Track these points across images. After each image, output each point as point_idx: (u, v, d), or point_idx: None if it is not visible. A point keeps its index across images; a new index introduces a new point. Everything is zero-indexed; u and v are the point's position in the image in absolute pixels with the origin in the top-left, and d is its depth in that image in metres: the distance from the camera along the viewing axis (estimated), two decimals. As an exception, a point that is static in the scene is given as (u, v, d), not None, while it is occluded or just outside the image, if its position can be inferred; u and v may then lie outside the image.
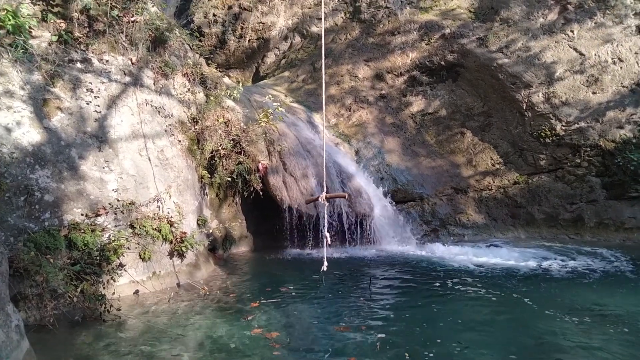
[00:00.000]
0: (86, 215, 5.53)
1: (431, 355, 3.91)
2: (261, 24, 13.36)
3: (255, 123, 8.80)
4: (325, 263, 4.69)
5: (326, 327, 4.68)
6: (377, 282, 6.66)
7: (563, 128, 10.17)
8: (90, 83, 6.01)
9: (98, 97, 6.04)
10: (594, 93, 10.11)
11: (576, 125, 10.07)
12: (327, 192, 4.78)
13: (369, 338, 4.31)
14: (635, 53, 10.03)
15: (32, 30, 5.57)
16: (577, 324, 4.66)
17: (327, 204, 4.80)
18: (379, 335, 4.37)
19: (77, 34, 6.01)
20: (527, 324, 4.75)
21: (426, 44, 11.46)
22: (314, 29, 13.21)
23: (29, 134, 5.26)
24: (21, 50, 5.31)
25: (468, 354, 3.94)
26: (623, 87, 10.04)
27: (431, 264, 7.79)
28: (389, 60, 11.70)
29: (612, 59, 10.12)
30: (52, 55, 5.66)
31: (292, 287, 6.21)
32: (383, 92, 11.67)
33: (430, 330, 4.52)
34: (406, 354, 3.93)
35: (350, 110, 11.54)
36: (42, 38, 5.70)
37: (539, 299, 5.50)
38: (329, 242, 4.90)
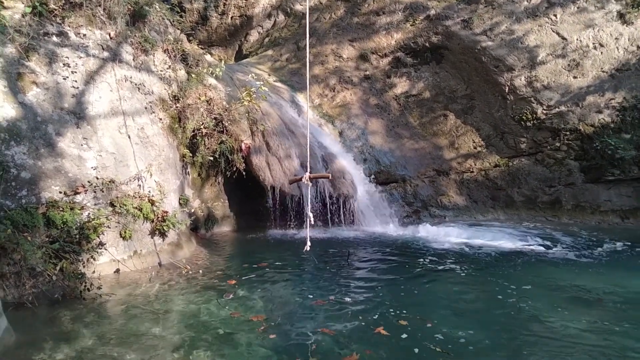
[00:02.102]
0: (65, 193, 5.41)
1: (396, 326, 4.09)
2: (244, 1, 13.09)
3: (238, 102, 8.68)
4: (309, 243, 4.71)
5: (304, 303, 4.78)
6: (358, 262, 6.73)
7: (544, 112, 10.29)
8: (67, 57, 5.82)
9: (75, 72, 5.86)
10: (574, 77, 10.23)
11: (557, 109, 10.21)
12: (310, 173, 4.76)
13: (344, 311, 4.47)
14: (616, 39, 10.14)
15: (3, 1, 5.35)
16: (550, 302, 4.79)
17: (310, 184, 4.78)
18: (351, 308, 4.58)
19: (52, 6, 5.78)
20: (501, 302, 4.86)
21: (411, 25, 11.40)
22: (298, 7, 13.01)
23: (3, 109, 5.09)
24: (-7, 22, 5.11)
25: (432, 328, 4.06)
26: (603, 72, 10.17)
27: (411, 244, 7.90)
28: (373, 40, 11.62)
29: (593, 44, 10.22)
30: (26, 28, 5.44)
31: (273, 266, 6.24)
32: (367, 72, 11.61)
33: (401, 305, 4.67)
34: (377, 327, 4.06)
35: (334, 91, 11.48)
36: (15, 9, 5.47)
37: (517, 279, 5.63)
38: (312, 222, 4.91)
